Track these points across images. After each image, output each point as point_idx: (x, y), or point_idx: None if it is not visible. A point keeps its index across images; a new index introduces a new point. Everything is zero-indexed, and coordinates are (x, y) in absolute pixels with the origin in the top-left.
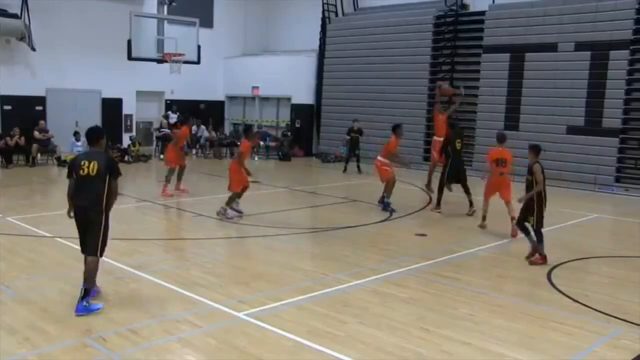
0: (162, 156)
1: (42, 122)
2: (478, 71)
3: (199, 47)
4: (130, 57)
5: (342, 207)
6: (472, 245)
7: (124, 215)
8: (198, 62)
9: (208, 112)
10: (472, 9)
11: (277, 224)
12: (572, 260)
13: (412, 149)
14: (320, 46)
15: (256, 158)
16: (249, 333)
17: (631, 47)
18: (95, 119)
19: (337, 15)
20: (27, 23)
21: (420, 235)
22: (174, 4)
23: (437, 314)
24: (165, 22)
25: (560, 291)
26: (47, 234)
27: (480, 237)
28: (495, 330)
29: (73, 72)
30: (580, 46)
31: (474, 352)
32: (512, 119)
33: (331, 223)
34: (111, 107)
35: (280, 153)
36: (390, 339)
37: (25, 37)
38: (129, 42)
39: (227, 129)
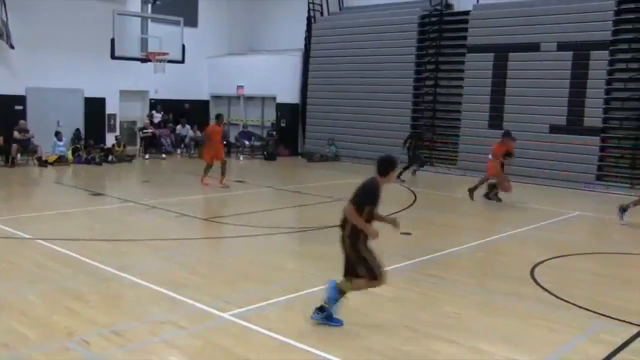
0: (147, 156)
1: (22, 121)
2: (462, 70)
3: (183, 46)
4: (113, 56)
5: (328, 207)
6: (457, 244)
7: (108, 216)
8: (182, 62)
9: (192, 111)
10: (456, 8)
11: (263, 224)
12: (555, 258)
13: (398, 148)
14: (305, 45)
15: (241, 157)
16: (234, 333)
17: (611, 48)
18: (78, 119)
19: (322, 14)
20: (5, 20)
21: (404, 234)
22: (158, 2)
23: (423, 313)
24: (149, 20)
25: (543, 288)
26: (28, 236)
27: (465, 235)
28: (481, 328)
29: (54, 70)
30: (562, 46)
31: (460, 349)
32: (495, 118)
33: (317, 222)
34: (94, 106)
35: (265, 152)
36: (377, 338)
37: (3, 34)
38: (112, 40)
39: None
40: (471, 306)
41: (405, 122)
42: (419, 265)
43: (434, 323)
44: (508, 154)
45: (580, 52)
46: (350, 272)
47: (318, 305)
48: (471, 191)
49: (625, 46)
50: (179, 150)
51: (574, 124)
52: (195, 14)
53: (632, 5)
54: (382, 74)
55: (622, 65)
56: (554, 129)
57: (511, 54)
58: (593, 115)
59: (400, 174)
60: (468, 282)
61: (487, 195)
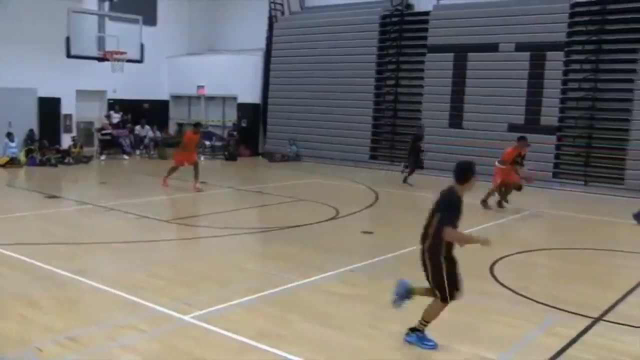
0: (102, 157)
1: None
2: (422, 70)
3: (142, 45)
4: (69, 55)
5: (289, 207)
6: (418, 242)
7: (64, 219)
8: (141, 61)
9: (150, 111)
10: (416, 9)
11: (224, 225)
12: (513, 254)
13: (359, 147)
14: (267, 45)
15: (202, 158)
16: (195, 336)
17: (565, 49)
18: (31, 119)
19: (283, 14)
20: None
21: (366, 233)
22: (115, 0)
23: (384, 311)
24: (107, 19)
25: (502, 284)
26: None
27: None
28: (442, 324)
29: (5, 69)
30: (520, 47)
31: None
32: (455, 117)
33: (278, 222)
34: (48, 106)
35: (226, 153)
36: (338, 337)
37: None
38: (68, 39)
39: (172, 129)
40: None
41: (366, 121)
42: (380, 264)
43: (395, 320)
44: (518, 159)
45: (537, 52)
46: (431, 286)
47: (412, 326)
48: (484, 202)
49: (579, 47)
50: (138, 152)
51: (531, 123)
52: (154, 13)
53: (584, 9)
54: (344, 73)
55: (577, 66)
56: (513, 127)
57: (471, 54)
58: (549, 114)
59: (406, 179)
60: None
61: (499, 203)
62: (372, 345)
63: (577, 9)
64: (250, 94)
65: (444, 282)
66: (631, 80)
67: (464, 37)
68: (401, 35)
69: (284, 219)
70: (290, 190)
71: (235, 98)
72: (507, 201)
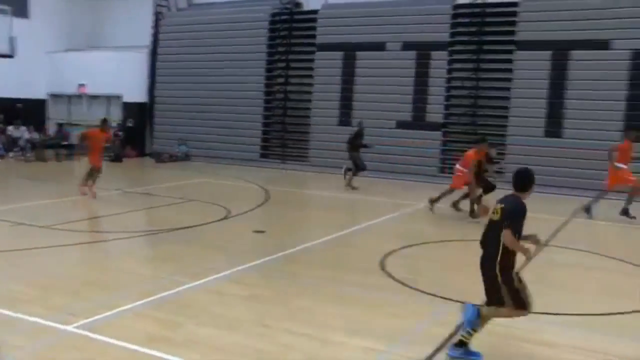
0: None
1: None
2: (312, 69)
3: (12, 38)
4: None
5: (179, 207)
6: (310, 239)
7: None
8: (12, 56)
9: (25, 111)
10: (305, 7)
11: (110, 228)
12: (402, 248)
13: (250, 146)
14: (153, 42)
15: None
16: (80, 347)
17: (449, 49)
18: None
19: (169, 10)
20: None
21: (258, 232)
22: None
23: (277, 309)
24: None
25: (392, 277)
26: None
27: (318, 230)
28: (334, 319)
29: None
30: (406, 46)
31: (311, 342)
32: (344, 115)
33: (168, 224)
34: None
35: (111, 154)
36: (230, 338)
37: None
38: None
39: (51, 129)
40: (323, 299)
41: (257, 120)
42: (273, 262)
43: (288, 318)
44: (481, 164)
45: (423, 52)
46: (494, 297)
47: (456, 340)
48: (455, 205)
49: (461, 47)
50: (11, 154)
51: (418, 120)
52: (25, 4)
53: (466, 10)
54: (233, 71)
55: (460, 65)
56: (401, 124)
57: (359, 53)
58: (435, 111)
59: (350, 182)
60: (320, 276)
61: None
62: (264, 345)
63: (459, 10)
64: (137, 93)
65: (515, 288)
66: (509, 79)
67: (352, 36)
68: (290, 33)
69: (174, 220)
70: (180, 190)
71: (120, 97)
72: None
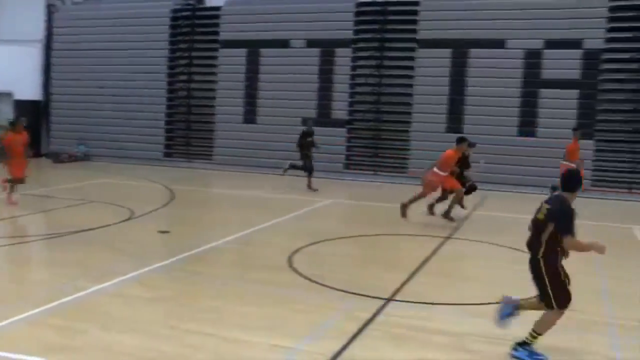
0: None
1: None
2: (216, 66)
3: None
4: None
5: (79, 209)
6: (216, 238)
7: None
8: None
9: None
10: (208, 3)
11: (5, 234)
12: (310, 245)
13: (153, 145)
14: (47, 36)
15: None
16: None
17: (353, 46)
18: None
19: (64, 3)
20: None
21: (163, 233)
22: None
23: (183, 310)
24: None
25: (300, 274)
26: None
27: (224, 230)
28: (241, 318)
29: None
30: (310, 43)
31: (217, 341)
32: (250, 112)
33: (68, 227)
34: None
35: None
36: (134, 342)
37: None
38: None
39: None
40: (230, 298)
41: (159, 118)
42: (178, 263)
43: (195, 319)
44: (463, 163)
45: (327, 49)
46: (543, 295)
47: (520, 340)
48: (430, 207)
49: (365, 45)
50: None
51: (323, 117)
52: None
53: (369, 8)
54: (134, 69)
55: (363, 62)
56: (306, 121)
57: (263, 50)
58: (340, 108)
59: (310, 184)
60: (227, 275)
61: (431, 208)
62: (170, 347)
63: (362, 9)
64: (29, 90)
65: (561, 290)
66: (411, 77)
67: (256, 33)
68: (193, 30)
69: (74, 222)
70: (81, 192)
71: (10, 94)
72: (432, 212)
